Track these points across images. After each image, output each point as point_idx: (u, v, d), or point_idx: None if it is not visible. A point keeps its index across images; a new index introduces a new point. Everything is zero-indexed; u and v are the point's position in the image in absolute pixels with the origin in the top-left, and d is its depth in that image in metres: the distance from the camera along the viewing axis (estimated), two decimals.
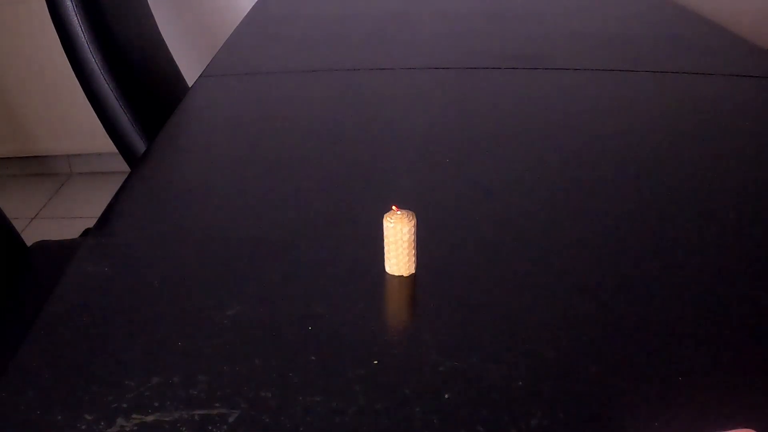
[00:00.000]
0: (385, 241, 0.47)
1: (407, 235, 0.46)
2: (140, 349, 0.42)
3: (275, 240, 0.54)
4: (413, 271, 0.48)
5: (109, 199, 0.62)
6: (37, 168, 2.15)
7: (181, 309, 0.46)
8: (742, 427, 0.33)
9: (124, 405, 0.38)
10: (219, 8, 1.93)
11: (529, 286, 0.48)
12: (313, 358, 0.41)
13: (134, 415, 0.37)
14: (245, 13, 1.32)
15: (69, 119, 1.96)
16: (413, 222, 0.46)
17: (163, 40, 1.30)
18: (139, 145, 1.06)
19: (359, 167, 0.67)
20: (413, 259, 0.48)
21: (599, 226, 0.56)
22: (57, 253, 0.91)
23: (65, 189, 2.08)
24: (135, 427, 0.37)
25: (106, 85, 1.02)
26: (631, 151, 0.70)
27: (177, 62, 1.33)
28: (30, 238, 0.95)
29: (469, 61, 0.98)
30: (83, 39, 1.00)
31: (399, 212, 0.46)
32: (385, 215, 0.46)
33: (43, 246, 0.93)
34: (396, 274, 0.48)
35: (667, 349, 0.42)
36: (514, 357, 0.41)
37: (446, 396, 0.39)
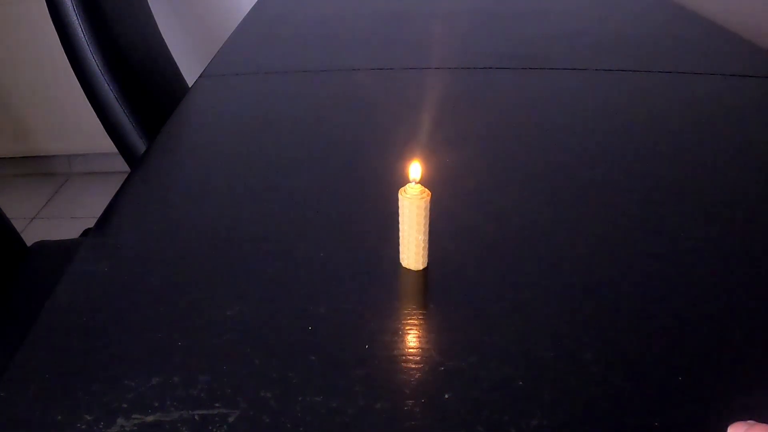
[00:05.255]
0: (400, 219, 0.47)
1: (424, 211, 0.46)
2: (140, 349, 0.42)
3: (275, 239, 0.54)
4: (425, 265, 0.49)
5: (109, 199, 0.62)
6: (37, 168, 2.15)
7: (181, 309, 0.46)
8: (745, 419, 0.33)
9: (124, 405, 0.38)
10: (219, 8, 1.93)
11: (529, 286, 0.48)
12: (313, 358, 0.41)
13: (134, 415, 0.37)
14: (245, 13, 1.32)
15: (69, 119, 1.97)
16: (427, 199, 0.46)
17: (163, 40, 1.30)
18: (139, 145, 1.06)
19: (359, 167, 0.67)
20: (426, 246, 0.48)
21: (599, 225, 0.56)
22: (57, 253, 0.91)
23: (65, 189, 2.09)
24: (135, 427, 0.37)
25: (106, 85, 1.02)
26: (631, 151, 0.70)
27: (177, 62, 1.33)
28: (30, 238, 0.95)
29: (469, 61, 0.98)
30: (83, 39, 1.00)
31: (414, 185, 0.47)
32: (400, 190, 0.47)
33: (43, 246, 0.93)
34: (411, 266, 0.49)
35: (667, 349, 0.42)
36: (514, 357, 0.41)
37: (446, 396, 0.39)
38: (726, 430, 0.33)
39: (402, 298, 0.47)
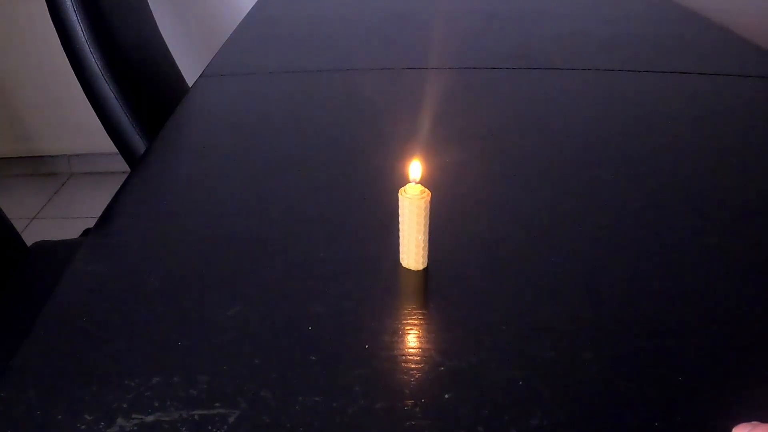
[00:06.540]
0: (400, 219, 0.47)
1: (424, 211, 0.46)
2: (140, 349, 0.42)
3: (275, 239, 0.54)
4: (425, 265, 0.49)
5: (109, 199, 0.62)
6: (37, 168, 2.15)
7: (181, 309, 0.46)
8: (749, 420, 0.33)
9: (124, 405, 0.38)
10: (219, 8, 1.93)
11: (529, 286, 0.48)
12: (313, 358, 0.41)
13: (134, 415, 0.37)
14: (245, 13, 1.32)
15: (69, 119, 1.97)
16: (427, 199, 0.46)
17: (163, 40, 1.30)
18: (139, 145, 1.06)
19: (359, 167, 0.67)
20: (426, 246, 0.48)
21: (599, 225, 0.56)
22: (57, 253, 0.91)
23: (65, 189, 2.09)
24: (135, 427, 0.37)
25: (106, 85, 1.02)
26: (631, 151, 0.70)
27: (177, 62, 1.33)
28: (30, 238, 0.95)
29: (469, 61, 0.98)
30: (83, 39, 1.00)
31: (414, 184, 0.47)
32: (400, 190, 0.47)
33: (43, 246, 0.93)
34: (411, 266, 0.49)
35: (668, 349, 0.42)
36: (514, 357, 0.41)
37: (446, 396, 0.39)
38: (729, 431, 0.33)
39: (402, 298, 0.47)
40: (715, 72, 0.93)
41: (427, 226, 0.47)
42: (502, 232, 0.55)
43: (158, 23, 1.31)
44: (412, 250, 0.48)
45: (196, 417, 0.37)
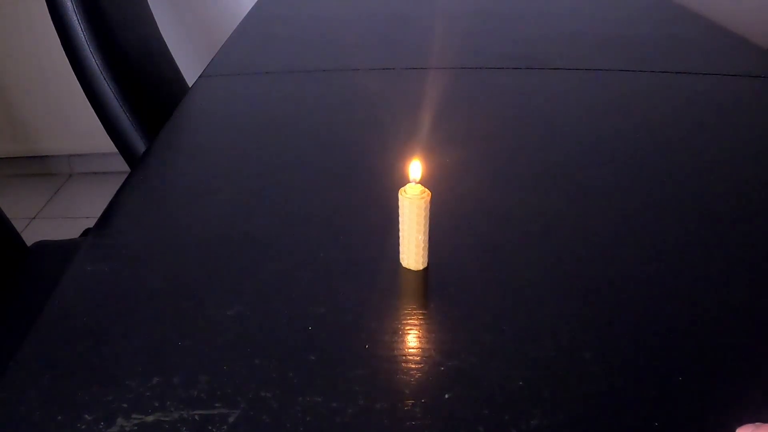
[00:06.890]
0: (400, 219, 0.47)
1: (424, 211, 0.46)
2: (140, 349, 0.42)
3: (275, 239, 0.54)
4: (425, 265, 0.49)
5: (109, 199, 0.62)
6: (37, 168, 2.15)
7: (181, 309, 0.46)
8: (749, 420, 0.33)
9: (124, 405, 0.38)
10: (219, 8, 1.93)
11: (529, 286, 0.48)
12: (313, 358, 0.41)
13: (134, 415, 0.37)
14: (245, 13, 1.32)
15: (69, 119, 1.97)
16: (427, 199, 0.46)
17: (163, 40, 1.30)
18: (139, 145, 1.06)
19: (359, 167, 0.67)
20: (426, 246, 0.48)
21: (599, 226, 0.56)
22: (57, 253, 0.91)
23: (65, 189, 2.09)
24: (135, 427, 0.37)
25: (106, 85, 1.02)
26: (631, 151, 0.70)
27: (177, 62, 1.33)
28: (30, 238, 0.95)
29: (469, 61, 0.98)
30: (83, 39, 1.00)
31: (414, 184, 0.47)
32: (400, 190, 0.47)
33: (43, 246, 0.93)
34: (411, 266, 0.49)
35: (667, 349, 0.42)
36: (514, 357, 0.41)
37: (446, 396, 0.39)
38: (730, 431, 0.33)
39: (402, 298, 0.47)
40: (715, 72, 0.93)
41: (427, 226, 0.47)
42: (502, 231, 0.55)
43: (158, 23, 1.31)
44: (412, 250, 0.48)
45: (196, 417, 0.37)
